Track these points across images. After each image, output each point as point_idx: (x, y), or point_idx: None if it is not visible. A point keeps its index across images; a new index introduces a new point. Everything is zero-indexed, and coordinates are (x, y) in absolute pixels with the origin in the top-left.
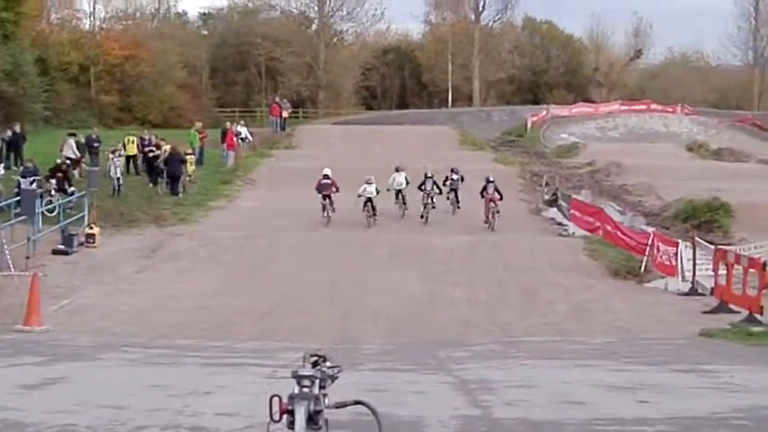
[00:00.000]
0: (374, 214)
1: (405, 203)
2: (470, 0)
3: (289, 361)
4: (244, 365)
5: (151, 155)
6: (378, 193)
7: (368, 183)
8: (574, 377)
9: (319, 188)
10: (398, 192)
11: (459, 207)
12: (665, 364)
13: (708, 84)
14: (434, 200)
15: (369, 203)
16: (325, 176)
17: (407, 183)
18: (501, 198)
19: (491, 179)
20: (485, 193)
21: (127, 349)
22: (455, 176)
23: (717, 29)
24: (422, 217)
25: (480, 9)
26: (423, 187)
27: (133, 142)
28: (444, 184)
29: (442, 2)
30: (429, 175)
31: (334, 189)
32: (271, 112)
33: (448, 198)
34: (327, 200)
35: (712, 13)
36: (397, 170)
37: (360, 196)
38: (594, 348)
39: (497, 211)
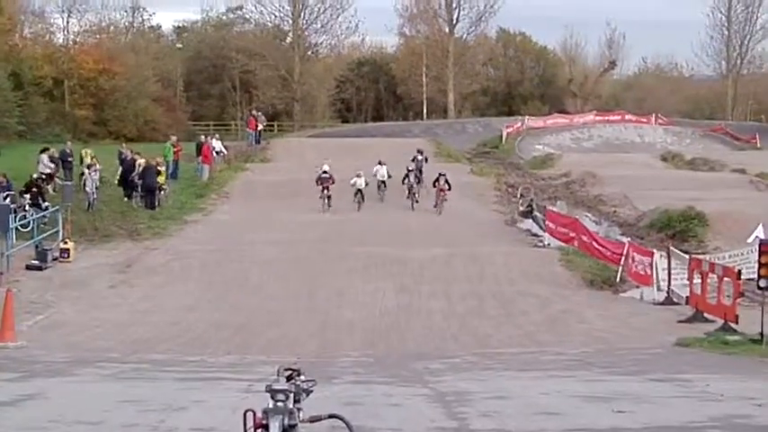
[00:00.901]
0: (362, 200)
1: (384, 189)
2: (444, 13)
3: (264, 375)
4: (219, 380)
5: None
6: (367, 184)
7: (357, 176)
8: (550, 388)
9: (319, 181)
10: (382, 182)
11: (421, 184)
12: (640, 374)
13: (681, 94)
14: (417, 192)
15: (359, 193)
16: (325, 172)
17: (389, 176)
18: (449, 189)
19: (443, 173)
20: (436, 184)
21: (102, 364)
22: (420, 157)
23: (690, 39)
24: (410, 199)
25: (454, 22)
26: (406, 180)
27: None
28: (411, 163)
29: (416, 15)
30: (411, 168)
31: (331, 182)
32: (247, 125)
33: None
34: (326, 191)
35: (686, 23)
36: (379, 163)
37: (352, 186)
38: (570, 359)
39: (445, 199)
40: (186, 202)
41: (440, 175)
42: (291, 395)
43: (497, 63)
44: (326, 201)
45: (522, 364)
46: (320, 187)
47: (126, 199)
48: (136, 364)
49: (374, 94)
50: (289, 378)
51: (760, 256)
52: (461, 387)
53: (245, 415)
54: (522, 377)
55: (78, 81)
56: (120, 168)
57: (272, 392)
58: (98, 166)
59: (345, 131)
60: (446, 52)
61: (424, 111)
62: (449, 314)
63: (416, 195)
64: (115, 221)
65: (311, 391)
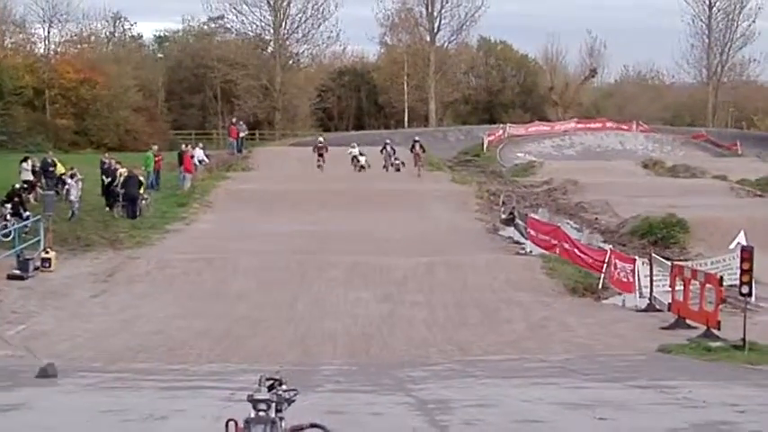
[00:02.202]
0: (360, 166)
1: (362, 167)
2: (425, 22)
3: (246, 384)
4: (201, 389)
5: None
6: (362, 155)
7: (352, 147)
8: (532, 395)
9: (316, 148)
10: (355, 157)
11: (394, 166)
12: (623, 381)
13: (662, 101)
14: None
15: (355, 159)
16: (320, 142)
17: (362, 155)
18: (424, 151)
19: (417, 139)
20: (413, 150)
21: (84, 374)
22: (389, 146)
23: (671, 47)
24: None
25: (435, 30)
26: (383, 151)
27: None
28: (382, 151)
29: (398, 24)
30: (388, 142)
31: (325, 150)
32: (229, 134)
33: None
34: (321, 158)
35: (666, 31)
36: (351, 146)
37: (349, 153)
38: (553, 366)
39: (422, 164)
40: (168, 212)
41: (414, 141)
42: (273, 405)
43: (478, 71)
44: (321, 163)
45: (504, 371)
46: (316, 154)
47: (108, 209)
48: (118, 373)
49: (355, 103)
50: (270, 387)
51: (741, 262)
52: (443, 395)
53: (226, 425)
54: (505, 385)
55: (59, 91)
56: (105, 178)
57: (254, 402)
58: (80, 176)
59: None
60: (427, 61)
61: (406, 119)
62: (431, 322)
63: (394, 159)
64: (97, 231)
65: (293, 401)
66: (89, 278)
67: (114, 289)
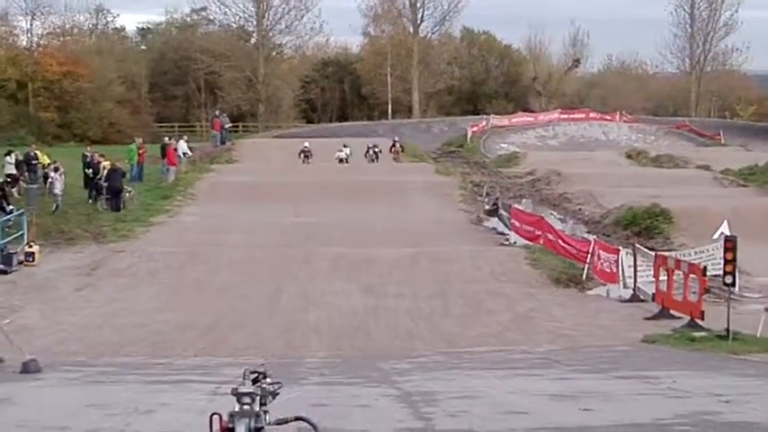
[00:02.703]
0: (339, 159)
1: (341, 160)
2: (409, 12)
3: (231, 377)
4: (186, 382)
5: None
6: (351, 154)
7: (344, 146)
8: (517, 387)
9: (302, 153)
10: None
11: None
12: (607, 372)
13: (646, 91)
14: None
15: (344, 161)
16: (305, 147)
17: (350, 154)
18: (403, 150)
19: (396, 139)
20: (392, 149)
21: (68, 368)
22: (371, 146)
23: (654, 37)
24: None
25: (419, 21)
26: (367, 153)
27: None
28: (366, 155)
29: (381, 14)
30: (371, 145)
31: (310, 153)
32: (212, 127)
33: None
34: (306, 159)
35: (650, 21)
36: (344, 146)
37: (336, 157)
38: (537, 357)
39: (399, 159)
40: (152, 205)
41: (394, 141)
42: (257, 398)
43: (462, 62)
44: (306, 162)
45: (489, 363)
46: (302, 155)
47: (90, 201)
48: (102, 367)
49: (339, 95)
50: (255, 381)
51: (725, 252)
52: (428, 387)
53: (211, 418)
54: (490, 376)
55: (42, 84)
56: (88, 171)
57: (238, 396)
58: (62, 169)
59: (310, 132)
60: (411, 52)
61: (389, 110)
62: (416, 314)
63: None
64: (80, 224)
65: (277, 394)
66: (73, 272)
67: (98, 283)
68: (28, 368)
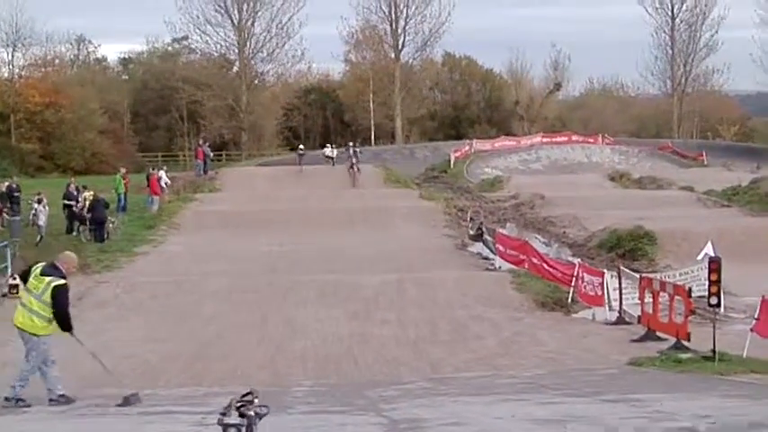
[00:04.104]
0: (333, 163)
1: (333, 163)
2: (390, 38)
3: (217, 407)
4: (172, 413)
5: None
6: (336, 154)
7: (329, 146)
8: (504, 412)
9: (298, 156)
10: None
11: (359, 170)
12: (594, 395)
13: (628, 113)
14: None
15: (330, 159)
16: (300, 149)
17: (336, 153)
18: (359, 161)
19: (357, 148)
20: (353, 160)
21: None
22: (351, 146)
23: (635, 59)
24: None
25: (400, 47)
26: (348, 155)
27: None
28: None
29: (362, 41)
30: (352, 144)
31: (305, 157)
32: (195, 156)
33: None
34: (301, 161)
35: (630, 43)
36: (329, 146)
37: (323, 153)
38: (524, 382)
39: (359, 171)
40: (136, 234)
41: (353, 149)
42: (243, 429)
43: (444, 87)
44: (301, 165)
45: (476, 388)
46: (298, 158)
47: (74, 233)
48: (88, 399)
49: (322, 121)
50: (241, 411)
51: (710, 273)
52: (416, 414)
53: None
54: (477, 402)
55: (24, 115)
56: (68, 202)
57: (224, 426)
58: (45, 200)
59: (293, 159)
60: (392, 78)
61: (372, 136)
62: (402, 340)
63: (356, 168)
64: None
65: (264, 414)
66: None
67: (83, 314)
68: (129, 401)
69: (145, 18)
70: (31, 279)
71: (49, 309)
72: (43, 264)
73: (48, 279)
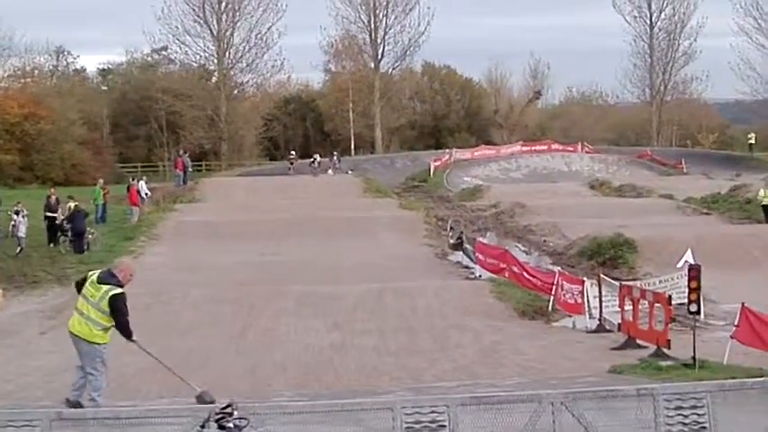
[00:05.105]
0: (313, 160)
1: (319, 166)
2: (369, 48)
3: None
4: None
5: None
6: (321, 156)
7: (317, 154)
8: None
9: (289, 159)
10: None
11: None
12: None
13: (607, 121)
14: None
15: (314, 161)
16: (291, 155)
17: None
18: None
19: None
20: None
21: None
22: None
23: (614, 67)
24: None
25: (379, 57)
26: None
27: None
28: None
29: (342, 51)
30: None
31: (296, 160)
32: (175, 166)
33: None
34: (292, 165)
35: (609, 52)
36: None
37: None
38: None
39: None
40: (115, 245)
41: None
42: None
43: (423, 96)
44: (291, 170)
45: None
46: (288, 162)
47: (52, 245)
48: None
49: (302, 131)
50: (221, 418)
51: (689, 280)
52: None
53: None
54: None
55: (3, 126)
56: (51, 214)
57: None
58: (25, 212)
59: (273, 169)
60: (372, 87)
61: (352, 146)
62: (382, 350)
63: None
64: (44, 267)
65: (243, 427)
66: (37, 315)
67: (63, 326)
68: (203, 399)
69: (124, 29)
70: (87, 286)
71: (106, 317)
72: (99, 271)
73: (105, 288)
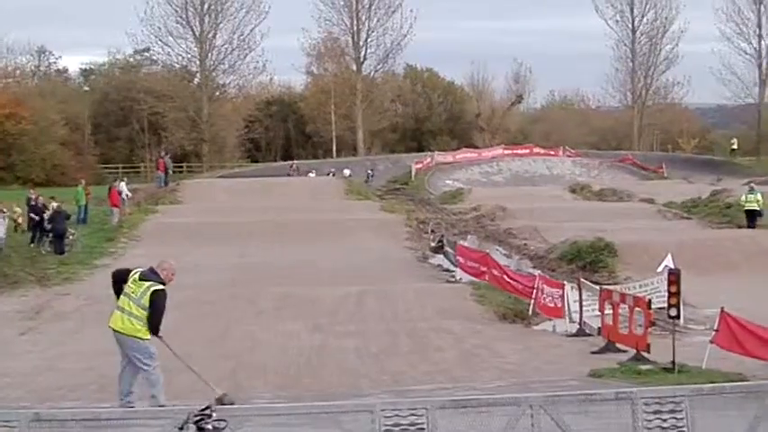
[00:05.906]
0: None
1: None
2: (352, 51)
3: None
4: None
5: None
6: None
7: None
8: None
9: (290, 167)
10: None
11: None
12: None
13: (588, 125)
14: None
15: (293, 166)
16: (292, 163)
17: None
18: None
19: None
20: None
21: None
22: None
23: (596, 71)
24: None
25: (362, 59)
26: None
27: None
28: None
29: (324, 53)
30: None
31: (295, 167)
32: (156, 167)
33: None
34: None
35: (591, 55)
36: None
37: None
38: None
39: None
40: (96, 247)
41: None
42: None
43: (405, 99)
44: (293, 174)
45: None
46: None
47: (33, 245)
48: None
49: (283, 133)
50: (199, 420)
51: (669, 285)
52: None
53: None
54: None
55: None
56: (35, 216)
57: None
58: (6, 212)
59: (254, 170)
60: (354, 90)
61: (334, 149)
62: (363, 352)
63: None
64: (24, 267)
65: (222, 429)
66: (17, 316)
67: (43, 326)
68: (222, 402)
69: (106, 30)
70: (129, 283)
71: (147, 313)
72: (141, 268)
73: (147, 284)
